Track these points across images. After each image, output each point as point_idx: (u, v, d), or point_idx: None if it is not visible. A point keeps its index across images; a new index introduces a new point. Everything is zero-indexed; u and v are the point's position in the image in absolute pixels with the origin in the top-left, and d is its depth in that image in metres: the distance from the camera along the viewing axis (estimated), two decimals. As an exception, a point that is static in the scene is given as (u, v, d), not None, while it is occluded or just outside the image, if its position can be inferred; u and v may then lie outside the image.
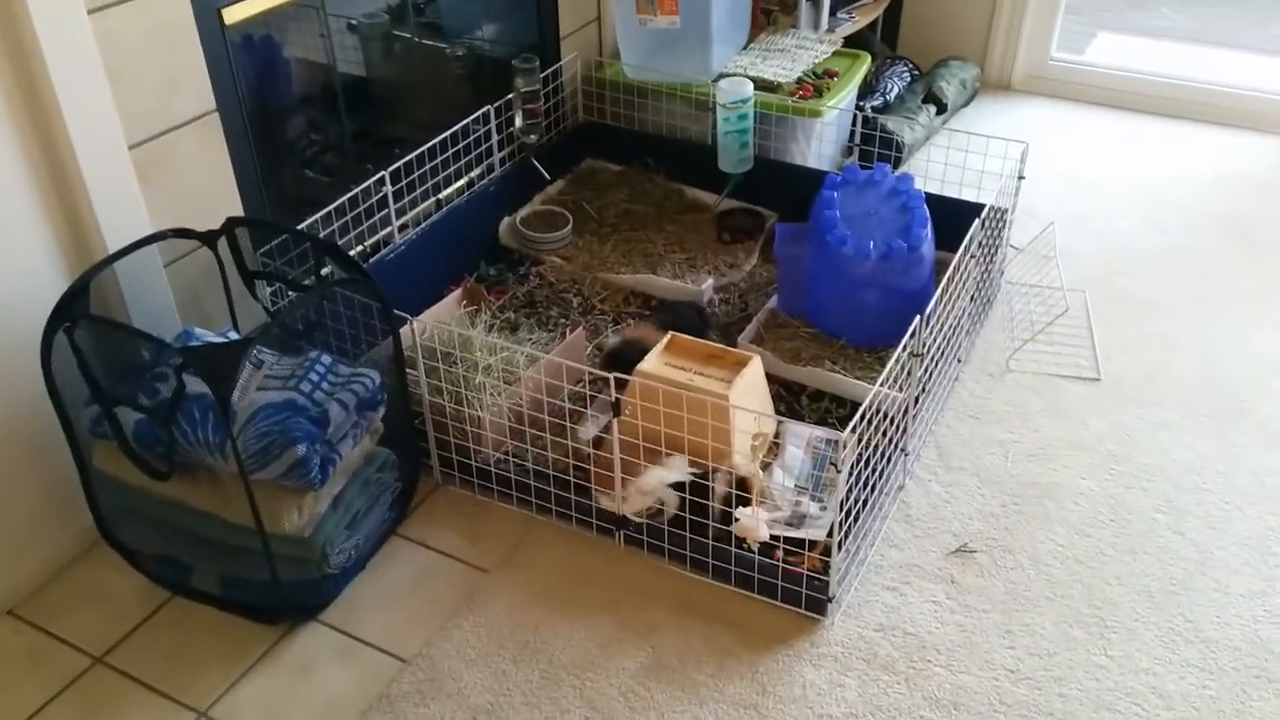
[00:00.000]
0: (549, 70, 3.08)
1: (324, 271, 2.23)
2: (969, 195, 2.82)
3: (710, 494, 2.07)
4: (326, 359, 2.02)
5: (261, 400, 1.89)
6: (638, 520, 2.11)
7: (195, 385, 1.82)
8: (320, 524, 1.96)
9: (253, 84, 2.44)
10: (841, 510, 1.94)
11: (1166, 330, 2.76)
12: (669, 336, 2.26)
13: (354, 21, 2.79)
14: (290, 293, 2.29)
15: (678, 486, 2.08)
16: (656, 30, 3.09)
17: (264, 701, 1.90)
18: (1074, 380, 2.60)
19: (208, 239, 2.08)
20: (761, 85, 3.06)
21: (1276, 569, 2.12)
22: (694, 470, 2.06)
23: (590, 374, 2.40)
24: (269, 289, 2.27)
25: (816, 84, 3.13)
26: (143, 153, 2.07)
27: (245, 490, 1.81)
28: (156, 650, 2.00)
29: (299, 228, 2.32)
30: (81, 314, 1.84)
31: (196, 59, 2.15)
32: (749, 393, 2.19)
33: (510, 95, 2.94)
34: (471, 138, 2.87)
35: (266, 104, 2.54)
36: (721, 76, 3.08)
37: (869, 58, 3.34)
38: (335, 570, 2.01)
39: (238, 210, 2.31)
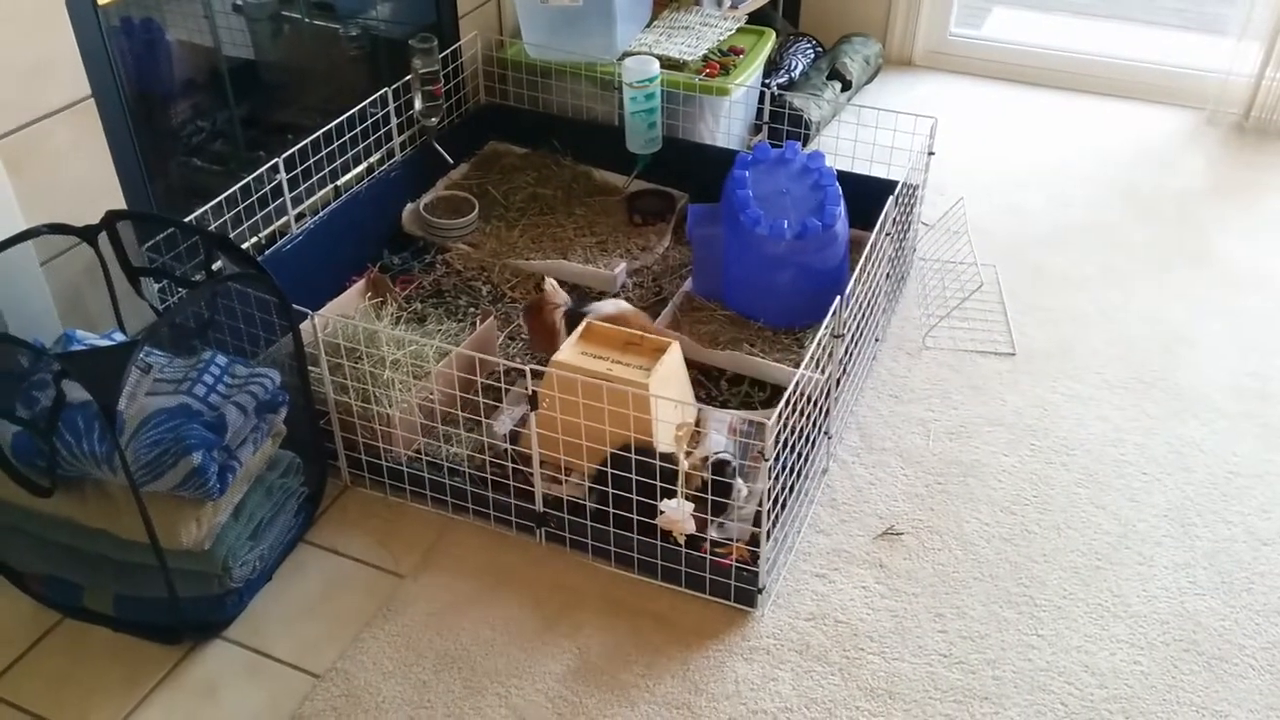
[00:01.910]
0: (448, 50, 2.97)
1: (215, 266, 2.10)
2: (878, 172, 2.80)
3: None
4: (222, 359, 1.90)
5: (152, 406, 1.77)
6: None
7: (77, 393, 1.69)
8: (221, 536, 1.84)
9: (132, 69, 2.30)
10: (769, 498, 1.89)
11: (1077, 303, 2.77)
12: (585, 324, 2.19)
13: (239, 2, 2.64)
14: (179, 290, 2.16)
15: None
16: (558, 8, 3.00)
17: (167, 727, 1.79)
18: (989, 355, 2.59)
19: (87, 234, 1.95)
20: (667, 63, 2.99)
21: (1197, 540, 2.13)
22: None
23: (505, 366, 2.31)
24: (156, 286, 2.13)
25: (722, 61, 3.07)
26: (11, 143, 1.93)
27: (137, 503, 1.68)
28: (47, 677, 1.86)
29: (186, 220, 2.19)
30: (-52, 319, 1.70)
31: (67, 42, 2.01)
32: (669, 380, 2.13)
33: (409, 77, 2.83)
34: (369, 121, 2.75)
35: (148, 90, 2.40)
36: (626, 55, 3.00)
37: (773, 34, 3.30)
38: (239, 584, 1.89)
39: (120, 203, 2.17)
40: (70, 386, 1.68)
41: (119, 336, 2.01)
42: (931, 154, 2.70)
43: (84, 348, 1.87)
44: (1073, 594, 2.02)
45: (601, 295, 2.60)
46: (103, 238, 1.97)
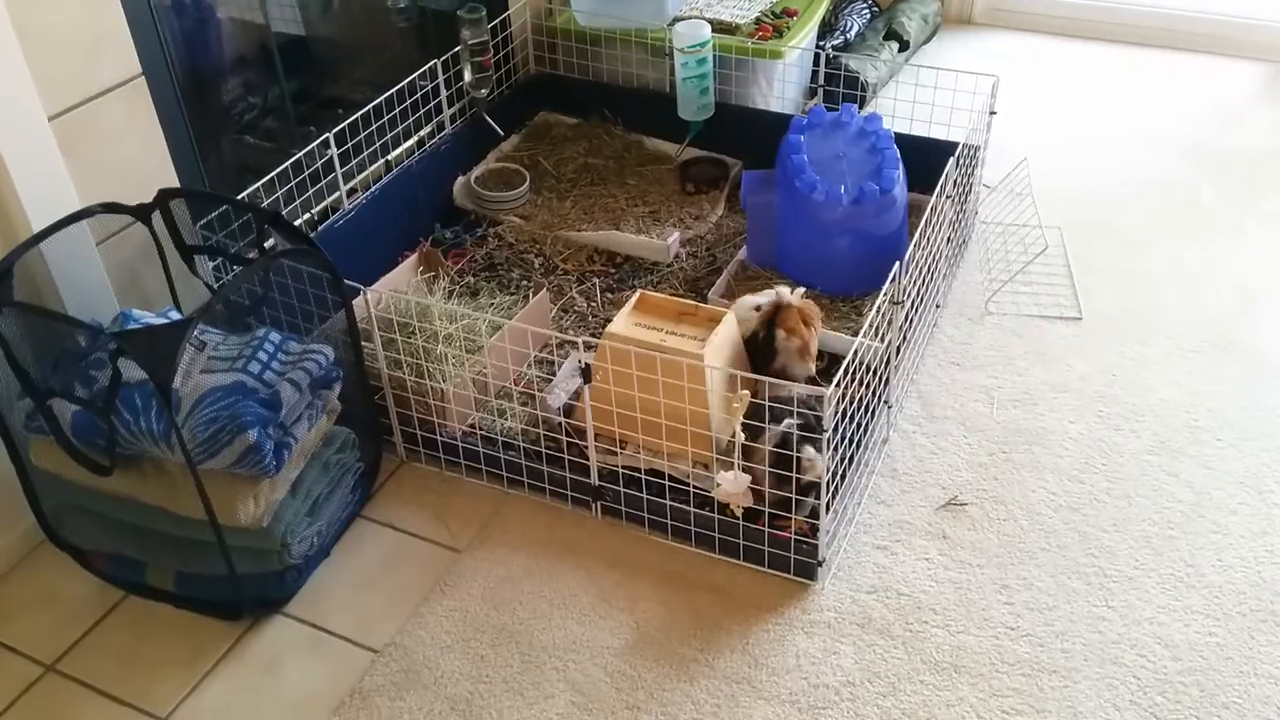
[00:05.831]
0: (497, 20, 2.94)
1: (268, 243, 2.10)
2: (937, 133, 2.73)
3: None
4: (275, 336, 1.89)
5: (207, 384, 1.77)
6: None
7: (134, 371, 1.69)
8: (278, 512, 1.84)
9: (182, 46, 2.30)
10: (828, 469, 1.85)
11: (1146, 265, 2.69)
12: (638, 294, 2.15)
13: (287, -24, 2.63)
14: (233, 267, 2.16)
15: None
16: (608, -27, 2.95)
17: (229, 702, 1.80)
18: (1055, 320, 2.53)
19: (140, 213, 1.95)
20: (719, 27, 2.94)
21: (1276, 507, 2.06)
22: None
23: (558, 339, 2.30)
24: (210, 264, 2.14)
25: (775, 24, 3.01)
26: (64, 123, 1.93)
27: (194, 481, 1.69)
28: (112, 654, 1.88)
29: (238, 197, 2.19)
30: (5, 300, 1.72)
31: (118, 20, 2.00)
32: (724, 350, 2.09)
33: (457, 48, 2.80)
34: (419, 94, 2.73)
35: (198, 67, 2.39)
36: (677, 20, 2.95)
37: (828, -5, 3.23)
38: (298, 560, 1.90)
39: (172, 181, 2.17)
40: (127, 365, 1.69)
41: (174, 314, 2.02)
42: (993, 114, 2.63)
43: (139, 326, 1.88)
44: (1144, 564, 1.97)
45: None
46: (156, 216, 1.97)
